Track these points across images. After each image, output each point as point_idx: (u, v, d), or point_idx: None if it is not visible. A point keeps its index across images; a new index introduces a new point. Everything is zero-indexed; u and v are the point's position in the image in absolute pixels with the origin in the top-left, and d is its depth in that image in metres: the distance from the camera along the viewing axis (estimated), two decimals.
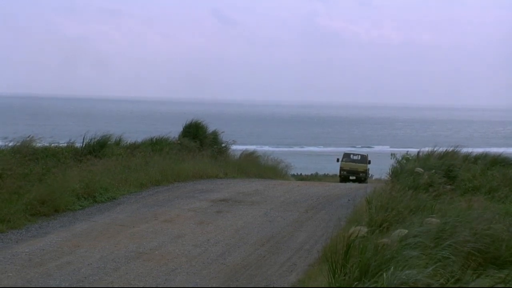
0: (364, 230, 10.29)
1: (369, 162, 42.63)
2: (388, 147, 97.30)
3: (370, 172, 47.07)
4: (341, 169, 42.72)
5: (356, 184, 31.08)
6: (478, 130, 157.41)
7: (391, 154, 24.55)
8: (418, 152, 23.91)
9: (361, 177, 41.56)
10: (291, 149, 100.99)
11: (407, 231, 10.12)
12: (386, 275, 8.17)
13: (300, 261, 11.77)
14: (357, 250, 9.20)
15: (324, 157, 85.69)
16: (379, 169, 39.39)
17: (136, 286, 9.97)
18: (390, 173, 20.65)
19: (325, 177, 52.37)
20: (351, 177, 41.70)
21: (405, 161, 22.80)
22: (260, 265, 11.46)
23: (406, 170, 19.81)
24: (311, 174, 56.73)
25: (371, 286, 8.11)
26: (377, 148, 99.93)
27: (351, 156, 44.33)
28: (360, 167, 42.34)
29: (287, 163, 37.71)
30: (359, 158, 43.67)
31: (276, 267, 11.31)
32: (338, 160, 43.75)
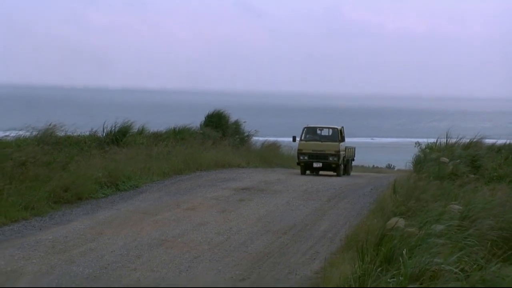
0: (402, 222, 10.18)
1: (343, 139, 27.70)
2: (425, 139, 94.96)
3: (394, 163, 44.31)
4: (300, 153, 27.09)
5: (379, 174, 30.57)
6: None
7: (415, 143, 24.30)
8: (439, 142, 23.62)
9: (331, 162, 26.69)
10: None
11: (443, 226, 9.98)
12: (408, 262, 8.12)
13: (323, 249, 11.72)
14: (389, 240, 9.13)
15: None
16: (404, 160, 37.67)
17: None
18: (414, 163, 20.50)
19: None
20: (315, 164, 26.73)
21: (428, 151, 22.64)
22: (282, 253, 11.42)
23: (430, 160, 19.68)
24: None
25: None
26: (412, 139, 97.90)
27: (317, 130, 28.42)
28: (328, 147, 26.82)
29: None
30: (329, 133, 28.03)
31: (299, 255, 11.28)
32: (294, 139, 28.11)
